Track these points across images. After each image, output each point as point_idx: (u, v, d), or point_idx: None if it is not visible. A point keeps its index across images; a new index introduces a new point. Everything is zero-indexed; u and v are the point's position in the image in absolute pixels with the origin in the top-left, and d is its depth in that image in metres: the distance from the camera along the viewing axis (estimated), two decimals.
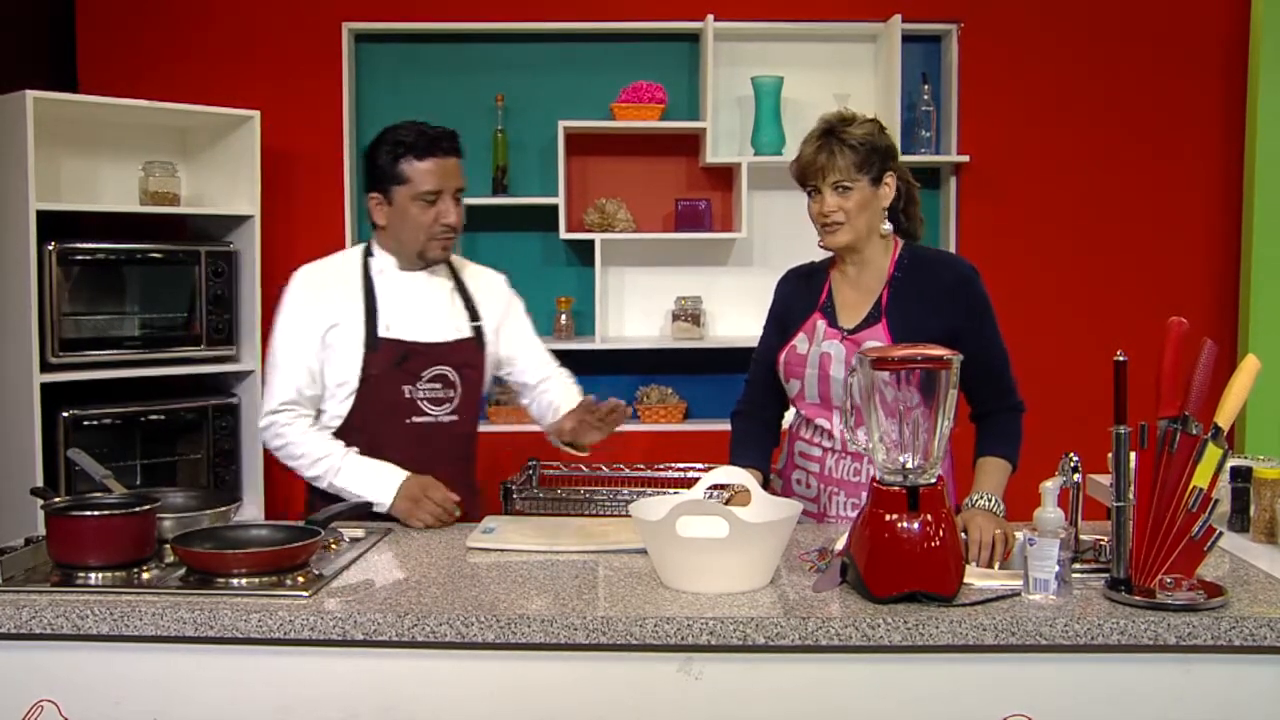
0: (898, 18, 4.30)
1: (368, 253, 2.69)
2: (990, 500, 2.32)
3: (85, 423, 3.80)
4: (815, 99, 4.40)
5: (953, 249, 4.41)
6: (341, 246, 4.34)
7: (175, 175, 4.13)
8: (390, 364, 2.58)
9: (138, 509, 2.14)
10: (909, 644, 1.82)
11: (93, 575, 2.04)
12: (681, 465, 3.14)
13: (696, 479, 2.25)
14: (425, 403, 2.61)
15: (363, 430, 2.60)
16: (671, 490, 2.78)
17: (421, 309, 2.64)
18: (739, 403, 2.68)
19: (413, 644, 1.85)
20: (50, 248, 3.70)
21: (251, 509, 4.14)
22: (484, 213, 4.38)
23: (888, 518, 1.91)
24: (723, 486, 2.48)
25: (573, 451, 2.65)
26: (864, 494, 2.08)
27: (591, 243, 4.39)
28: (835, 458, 2.51)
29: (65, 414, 3.75)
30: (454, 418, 2.64)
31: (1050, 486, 1.97)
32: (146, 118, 4.11)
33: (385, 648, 1.86)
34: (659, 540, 2.00)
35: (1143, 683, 1.84)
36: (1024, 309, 4.21)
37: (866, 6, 4.42)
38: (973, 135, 4.45)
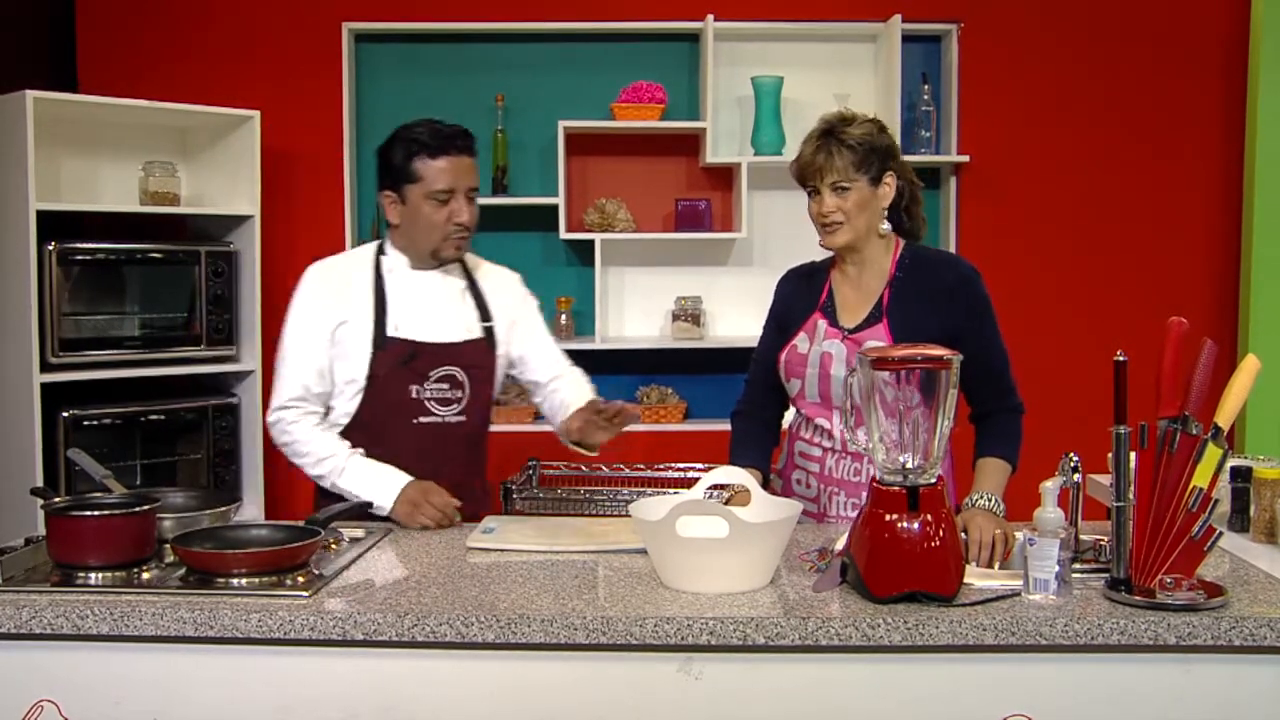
0: (898, 18, 4.30)
1: (380, 251, 2.68)
2: (990, 500, 2.32)
3: (85, 423, 3.80)
4: (815, 99, 4.40)
5: (953, 249, 4.42)
6: (342, 246, 4.37)
7: (175, 175, 4.13)
8: (397, 363, 2.57)
9: (138, 509, 2.14)
10: (909, 644, 1.81)
11: (93, 575, 2.04)
12: (681, 465, 3.14)
13: (696, 479, 2.25)
14: (432, 403, 2.60)
15: (370, 429, 2.60)
16: (671, 490, 2.78)
17: (431, 309, 2.63)
18: (739, 403, 2.68)
19: (413, 644, 1.85)
20: (50, 248, 3.70)
21: (251, 509, 4.14)
22: (484, 213, 4.30)
23: (888, 518, 1.91)
24: (723, 486, 2.48)
25: (582, 451, 2.63)
26: (864, 494, 2.08)
27: (591, 243, 4.39)
28: (835, 458, 2.51)
29: (65, 414, 3.75)
30: (461, 418, 2.63)
31: (1050, 486, 1.97)
32: (146, 118, 4.11)
33: (385, 648, 1.86)
34: (659, 540, 2.00)
35: (1143, 683, 1.84)
36: (1024, 309, 4.21)
37: (866, 6, 4.42)
38: (973, 135, 4.46)
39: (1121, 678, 1.84)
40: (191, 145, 4.30)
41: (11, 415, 3.77)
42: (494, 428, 3.43)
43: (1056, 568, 1.90)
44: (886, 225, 2.49)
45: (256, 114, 4.11)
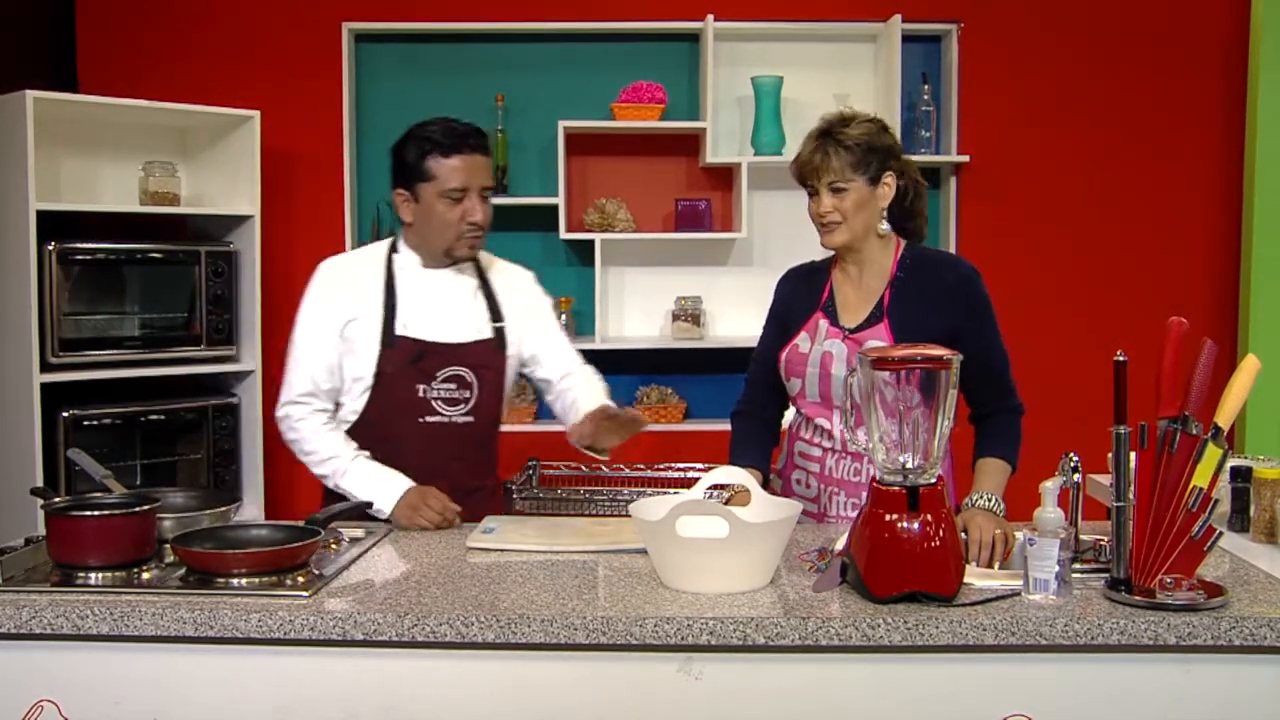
0: (898, 18, 4.30)
1: (393, 248, 2.68)
2: (990, 500, 2.32)
3: (85, 423, 3.80)
4: (815, 99, 4.40)
5: (953, 249, 4.42)
6: (342, 247, 4.38)
7: (175, 175, 4.13)
8: (405, 362, 2.57)
9: (138, 509, 2.14)
10: (909, 644, 1.82)
11: (93, 575, 2.04)
12: (681, 465, 3.15)
13: (696, 479, 2.25)
14: (439, 403, 2.60)
15: (377, 427, 2.60)
16: (671, 490, 2.79)
17: (441, 308, 2.63)
18: (739, 402, 2.68)
19: (413, 644, 1.85)
20: (50, 248, 3.70)
21: (251, 509, 4.14)
22: None
23: (888, 518, 1.91)
24: (723, 486, 2.48)
25: (593, 455, 2.62)
26: (864, 494, 2.08)
27: (591, 243, 4.39)
28: (835, 458, 2.51)
29: (65, 414, 3.75)
30: (469, 419, 2.62)
31: (1050, 486, 1.97)
32: (146, 118, 4.11)
33: (385, 648, 1.86)
34: (659, 540, 2.00)
35: (1143, 683, 1.84)
36: (1024, 309, 4.21)
37: (866, 6, 4.42)
38: (973, 135, 4.46)
39: (1121, 678, 1.84)
40: (191, 145, 4.30)
41: (11, 415, 3.77)
42: None
43: (1056, 568, 1.90)
44: (886, 225, 2.49)
45: (256, 114, 4.11)
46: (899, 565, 1.89)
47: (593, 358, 2.77)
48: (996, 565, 2.19)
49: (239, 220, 4.16)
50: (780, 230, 4.43)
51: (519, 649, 1.85)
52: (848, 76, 4.50)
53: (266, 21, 4.44)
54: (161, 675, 1.90)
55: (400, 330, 2.59)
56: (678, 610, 1.86)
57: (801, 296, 2.58)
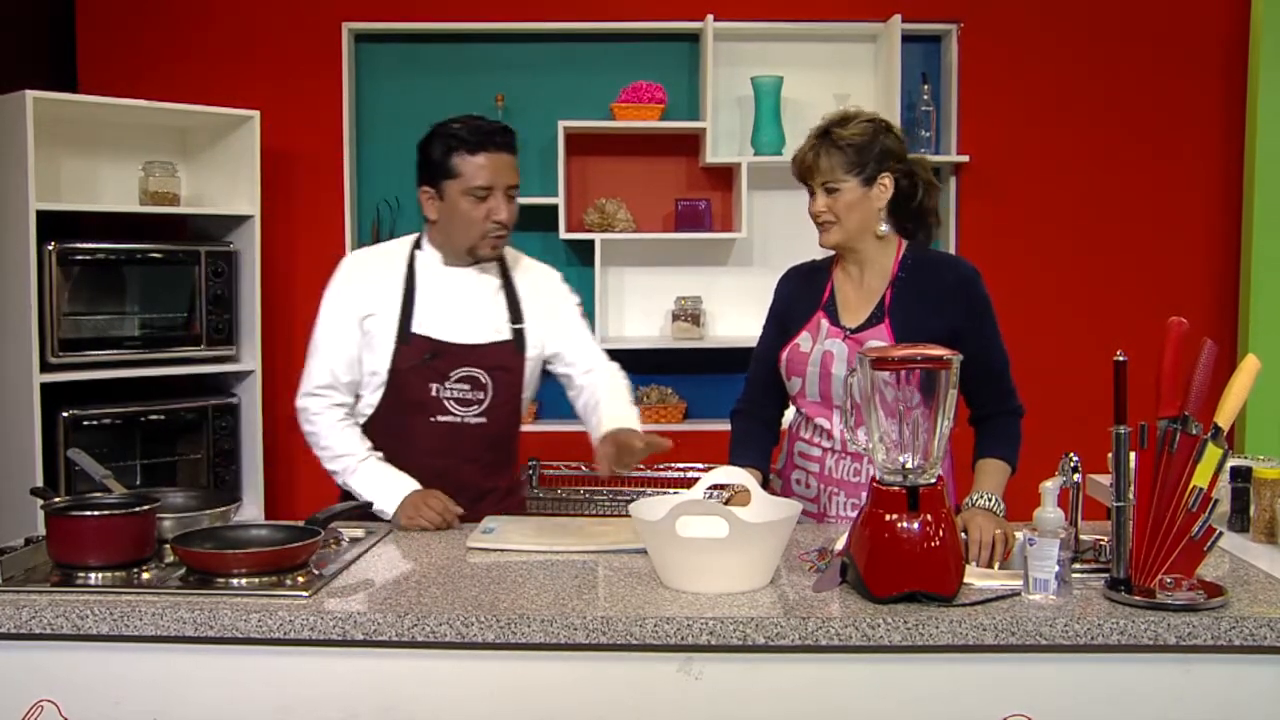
0: (898, 18, 4.30)
1: (416, 245, 2.67)
2: (990, 500, 2.32)
3: (85, 423, 3.80)
4: (815, 99, 4.41)
5: (953, 249, 4.42)
6: (341, 246, 4.38)
7: (175, 175, 4.13)
8: (418, 360, 2.56)
9: (138, 509, 2.14)
10: (909, 644, 1.81)
11: (93, 575, 2.04)
12: (681, 465, 3.15)
13: (696, 479, 2.25)
14: (451, 402, 2.59)
15: (390, 423, 2.60)
16: (671, 490, 2.78)
17: (459, 308, 2.61)
18: (739, 401, 2.68)
19: (413, 644, 1.85)
20: (50, 248, 3.70)
21: (251, 509, 4.14)
22: None
23: (888, 518, 1.91)
24: (722, 486, 2.48)
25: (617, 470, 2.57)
26: (864, 494, 2.08)
27: (591, 243, 4.39)
28: (835, 458, 2.51)
29: (65, 414, 3.76)
30: (482, 420, 2.61)
31: (1050, 486, 1.97)
32: (146, 118, 4.11)
33: (385, 648, 1.86)
34: (659, 540, 2.00)
35: (1143, 683, 1.84)
36: (1024, 309, 4.21)
37: (866, 6, 4.42)
38: (973, 135, 4.46)
39: (1121, 678, 1.84)
40: (191, 145, 4.30)
41: (11, 415, 3.77)
42: None
43: (1056, 568, 1.90)
44: (885, 226, 2.49)
45: (256, 114, 4.11)
46: (899, 565, 1.89)
47: None
48: (996, 565, 2.19)
49: (239, 220, 4.16)
50: (780, 230, 4.44)
51: (519, 649, 1.85)
52: (848, 76, 4.50)
53: (266, 21, 4.44)
54: (161, 675, 1.90)
55: (416, 328, 2.58)
56: (678, 610, 1.86)
57: (802, 296, 2.58)
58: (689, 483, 2.52)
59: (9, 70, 3.92)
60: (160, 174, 4.08)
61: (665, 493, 2.51)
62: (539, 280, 2.74)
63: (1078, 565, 2.08)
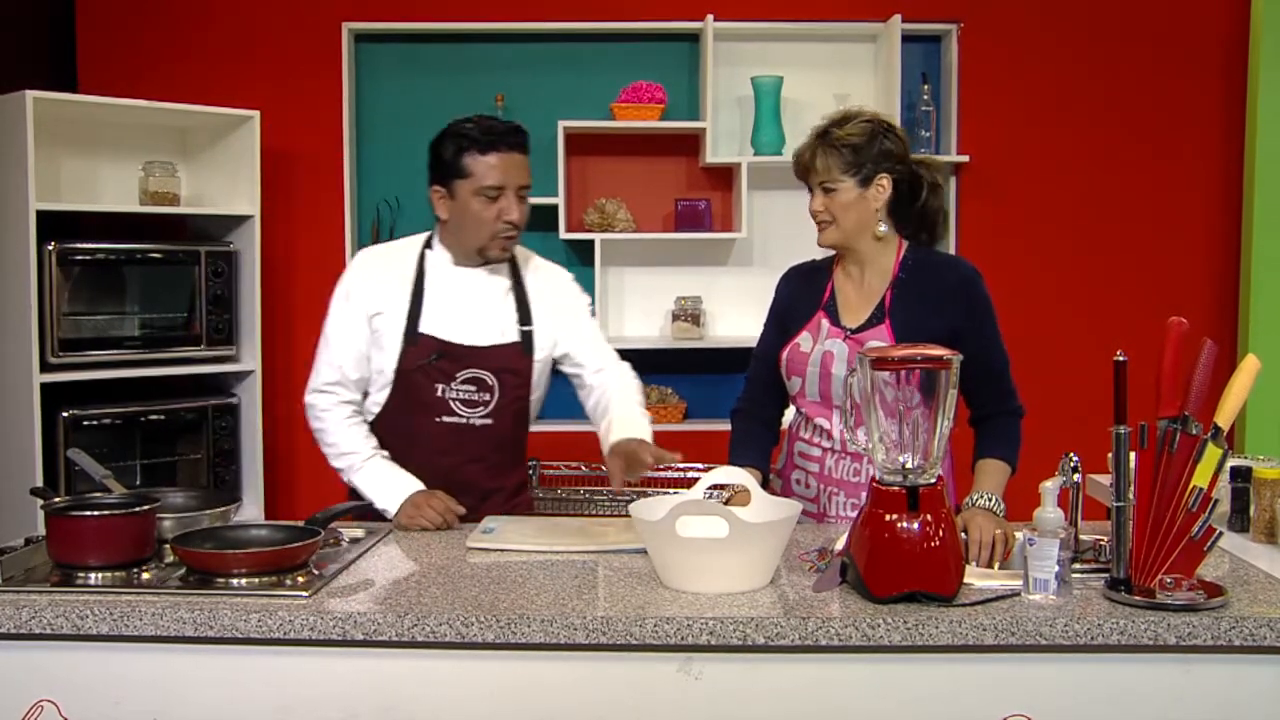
0: (898, 18, 4.30)
1: (427, 244, 2.66)
2: (990, 500, 2.32)
3: (85, 423, 3.80)
4: (815, 99, 4.41)
5: (953, 249, 4.42)
6: (342, 247, 4.38)
7: (175, 175, 4.13)
8: (424, 360, 2.56)
9: (138, 509, 2.14)
10: (909, 644, 1.81)
11: (93, 575, 2.04)
12: (681, 465, 3.14)
13: (696, 479, 2.25)
14: (457, 403, 2.58)
15: (396, 423, 2.60)
16: (671, 490, 2.78)
17: (467, 309, 2.61)
18: (739, 400, 2.68)
19: (413, 644, 1.85)
20: (50, 248, 3.70)
21: (251, 509, 4.14)
22: None
23: (888, 518, 1.91)
24: (722, 486, 2.48)
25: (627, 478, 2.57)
26: (864, 494, 2.08)
27: (591, 243, 4.39)
28: (835, 458, 2.51)
29: (65, 414, 3.76)
30: (488, 421, 2.60)
31: (1050, 486, 1.97)
32: (146, 118, 4.11)
33: (385, 648, 1.86)
34: (659, 540, 2.00)
35: (1143, 683, 1.84)
36: (1024, 309, 4.21)
37: (866, 6, 4.42)
38: (973, 135, 4.46)
39: (1121, 678, 1.84)
40: (191, 145, 4.30)
41: (11, 415, 3.77)
42: None
43: (1056, 568, 1.90)
44: (884, 227, 2.48)
45: (256, 114, 4.11)
46: (899, 565, 1.89)
47: None
48: (996, 565, 2.19)
49: (239, 220, 4.16)
50: (780, 230, 4.43)
51: (519, 649, 1.85)
52: (848, 76, 4.50)
53: (266, 21, 4.44)
54: (161, 675, 1.90)
55: (423, 328, 2.57)
56: (678, 610, 1.86)
57: (803, 296, 2.58)
58: (689, 483, 2.52)
59: (9, 70, 3.92)
60: (160, 174, 4.08)
61: (665, 493, 2.51)
62: (550, 281, 2.73)
63: (1078, 565, 2.08)
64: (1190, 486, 1.91)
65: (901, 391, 1.97)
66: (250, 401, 4.18)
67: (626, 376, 2.72)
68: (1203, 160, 4.49)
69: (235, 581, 1.99)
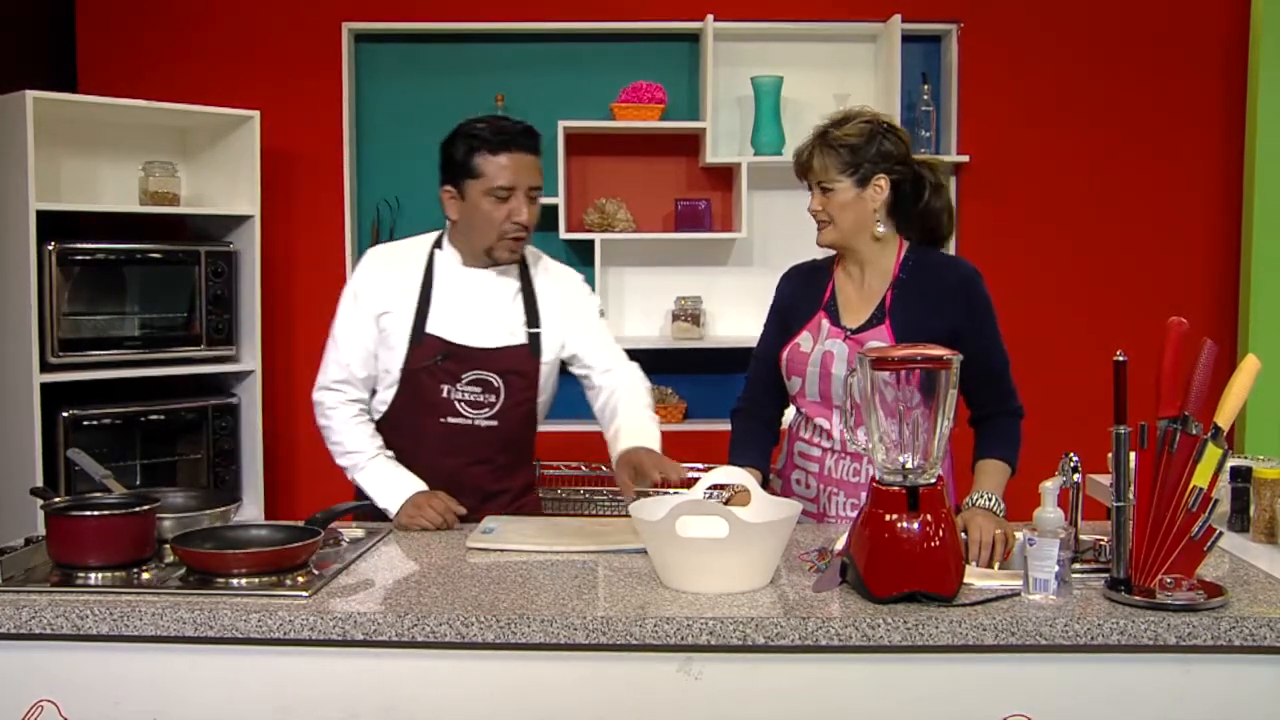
0: (897, 18, 4.30)
1: (437, 244, 2.66)
2: (990, 500, 2.32)
3: (85, 423, 3.80)
4: (815, 99, 4.41)
5: (953, 249, 4.41)
6: (342, 247, 4.38)
7: (175, 175, 4.13)
8: (430, 361, 2.56)
9: (138, 509, 2.14)
10: (909, 644, 1.81)
11: (92, 575, 2.04)
12: (681, 465, 3.14)
13: (696, 479, 2.25)
14: (463, 404, 2.58)
15: (402, 422, 2.60)
16: (671, 490, 2.78)
17: (474, 310, 2.60)
18: (739, 400, 2.68)
19: (413, 644, 1.85)
20: (50, 248, 3.70)
21: (251, 509, 4.14)
22: None
23: (888, 518, 1.91)
24: (722, 486, 2.48)
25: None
26: (863, 494, 2.08)
27: (591, 243, 4.39)
28: (835, 458, 2.51)
29: (65, 414, 3.76)
30: (493, 423, 2.60)
31: (1050, 486, 1.97)
32: (146, 118, 4.11)
33: (385, 648, 1.86)
34: (659, 540, 2.00)
35: (1143, 683, 1.84)
36: (1024, 309, 4.21)
37: (866, 6, 4.42)
38: (973, 135, 4.46)
39: (1121, 678, 1.84)
40: (191, 145, 4.30)
41: (11, 415, 3.77)
42: None
43: (1056, 568, 1.90)
44: (882, 228, 2.48)
45: (256, 114, 4.11)
46: (899, 565, 1.89)
47: None
48: (996, 565, 2.19)
49: (239, 220, 4.16)
50: (780, 230, 4.43)
51: (519, 649, 1.85)
52: (848, 76, 4.50)
53: (266, 21, 4.44)
54: (161, 675, 1.90)
55: (430, 328, 2.57)
56: (678, 610, 1.86)
57: (803, 295, 2.58)
58: (689, 483, 2.52)
59: (9, 70, 3.92)
60: (160, 174, 4.08)
61: (665, 493, 2.51)
62: (559, 282, 2.73)
63: (1078, 565, 2.08)
64: (1190, 486, 1.91)
65: (901, 391, 1.97)
66: (250, 401, 4.18)
67: (635, 377, 2.71)
68: (1203, 160, 4.49)
69: (235, 581, 1.99)
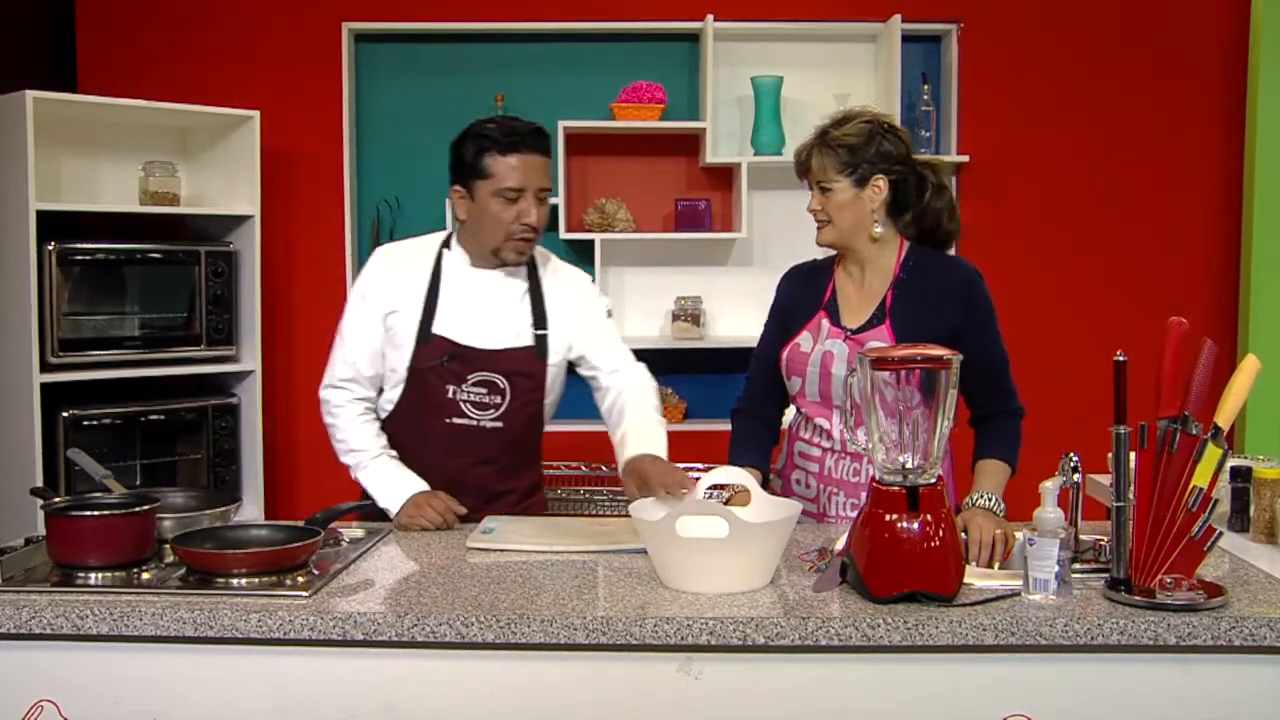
0: (897, 18, 4.30)
1: (445, 244, 2.65)
2: (990, 500, 2.32)
3: (85, 423, 3.80)
4: (815, 99, 4.41)
5: (953, 249, 4.41)
6: (342, 247, 4.38)
7: (175, 175, 4.13)
8: (436, 361, 2.56)
9: (138, 509, 2.14)
10: (909, 644, 1.81)
11: (92, 575, 2.04)
12: (681, 465, 3.14)
13: (696, 479, 2.25)
14: (468, 405, 2.57)
15: (407, 422, 2.60)
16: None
17: (481, 311, 2.60)
18: (739, 400, 2.68)
19: (413, 644, 1.85)
20: (50, 248, 3.70)
21: (251, 509, 4.14)
22: None
23: (888, 518, 1.91)
24: (722, 486, 2.48)
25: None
26: (863, 494, 2.08)
27: (591, 243, 4.38)
28: (835, 458, 2.51)
29: (65, 414, 3.76)
30: (498, 424, 2.59)
31: (1050, 486, 1.97)
32: (146, 118, 4.11)
33: (385, 648, 1.86)
34: (659, 540, 2.00)
35: (1143, 683, 1.84)
36: (1024, 309, 4.21)
37: (866, 6, 4.42)
38: (973, 135, 4.46)
39: (1121, 678, 1.84)
40: (191, 145, 4.30)
41: (11, 415, 3.77)
42: None
43: (1056, 568, 1.90)
44: (880, 228, 2.48)
45: (256, 114, 4.11)
46: (899, 565, 1.89)
47: None
48: (996, 565, 2.19)
49: (239, 220, 4.16)
50: (780, 230, 4.43)
51: (519, 649, 1.85)
52: (848, 76, 4.50)
53: (266, 21, 4.44)
54: (161, 675, 1.90)
55: (436, 329, 2.57)
56: (678, 610, 1.86)
57: (804, 295, 2.59)
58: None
59: (9, 70, 3.92)
60: (160, 174, 4.08)
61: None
62: (567, 284, 2.71)
63: (1078, 565, 2.08)
64: (1190, 486, 1.91)
65: (901, 391, 1.97)
66: (250, 401, 4.18)
67: (643, 378, 2.70)
68: (1203, 160, 4.49)
69: (235, 581, 1.99)
